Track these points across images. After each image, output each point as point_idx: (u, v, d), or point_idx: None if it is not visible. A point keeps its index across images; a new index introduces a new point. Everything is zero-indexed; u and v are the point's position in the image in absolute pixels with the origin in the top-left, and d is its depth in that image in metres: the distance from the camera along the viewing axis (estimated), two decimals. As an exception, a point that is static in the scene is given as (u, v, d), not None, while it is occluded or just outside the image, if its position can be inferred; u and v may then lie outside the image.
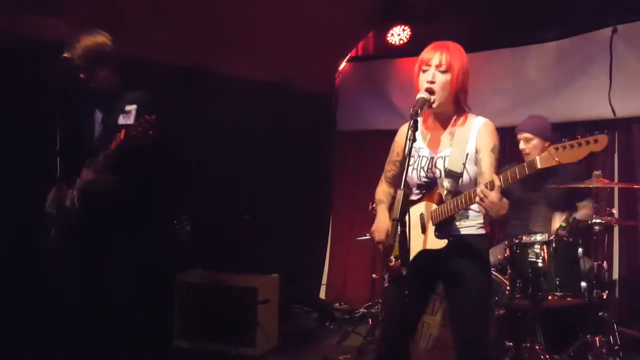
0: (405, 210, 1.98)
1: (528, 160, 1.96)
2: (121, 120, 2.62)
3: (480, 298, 2.24)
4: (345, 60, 5.57)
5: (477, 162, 2.21)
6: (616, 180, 4.15)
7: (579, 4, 4.36)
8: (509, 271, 3.27)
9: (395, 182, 2.51)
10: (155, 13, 3.69)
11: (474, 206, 2.21)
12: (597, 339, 3.16)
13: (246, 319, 3.82)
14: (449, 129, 2.30)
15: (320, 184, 5.45)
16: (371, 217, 4.15)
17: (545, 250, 3.12)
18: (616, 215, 3.46)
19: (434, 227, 2.20)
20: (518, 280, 3.14)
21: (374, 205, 4.05)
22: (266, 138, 4.62)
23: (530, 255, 3.12)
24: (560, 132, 3.62)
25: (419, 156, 2.31)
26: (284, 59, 4.67)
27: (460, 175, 2.18)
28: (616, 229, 4.10)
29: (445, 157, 2.24)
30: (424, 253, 2.21)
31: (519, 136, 3.58)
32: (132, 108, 2.63)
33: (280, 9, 4.24)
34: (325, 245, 5.60)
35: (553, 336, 3.31)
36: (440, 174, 2.23)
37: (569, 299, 3.12)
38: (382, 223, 2.41)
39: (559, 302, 3.18)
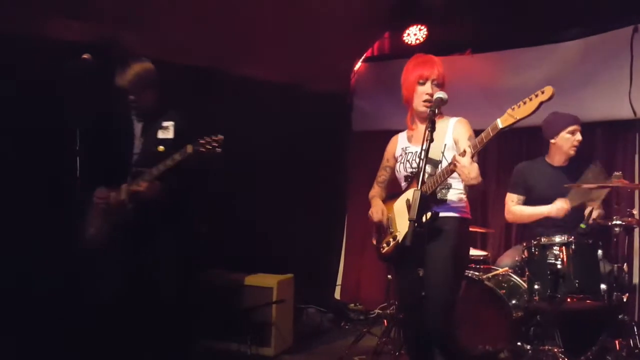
0: (422, 211, 2.15)
1: (491, 125, 2.22)
2: (160, 134, 2.91)
3: (452, 258, 2.47)
4: (361, 60, 5.55)
5: (457, 151, 2.50)
6: (637, 181, 4.08)
7: (599, 2, 4.29)
8: (527, 273, 3.23)
9: (386, 185, 2.91)
10: (171, 14, 3.72)
11: (451, 193, 2.55)
12: (617, 342, 3.12)
13: (261, 318, 3.83)
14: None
15: (336, 185, 5.44)
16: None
17: (565, 252, 3.08)
18: (637, 217, 3.40)
19: None
20: (536, 282, 3.10)
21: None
22: (282, 139, 4.62)
23: (549, 257, 3.09)
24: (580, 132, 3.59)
25: (405, 153, 2.73)
26: (300, 60, 4.67)
27: (440, 161, 2.50)
28: (637, 231, 4.02)
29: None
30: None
31: (576, 128, 3.54)
32: (169, 124, 2.92)
33: (296, 10, 4.25)
34: (340, 245, 5.59)
35: (572, 339, 3.26)
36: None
37: (588, 301, 3.08)
38: (377, 206, 2.76)
39: (578, 305, 3.14)
